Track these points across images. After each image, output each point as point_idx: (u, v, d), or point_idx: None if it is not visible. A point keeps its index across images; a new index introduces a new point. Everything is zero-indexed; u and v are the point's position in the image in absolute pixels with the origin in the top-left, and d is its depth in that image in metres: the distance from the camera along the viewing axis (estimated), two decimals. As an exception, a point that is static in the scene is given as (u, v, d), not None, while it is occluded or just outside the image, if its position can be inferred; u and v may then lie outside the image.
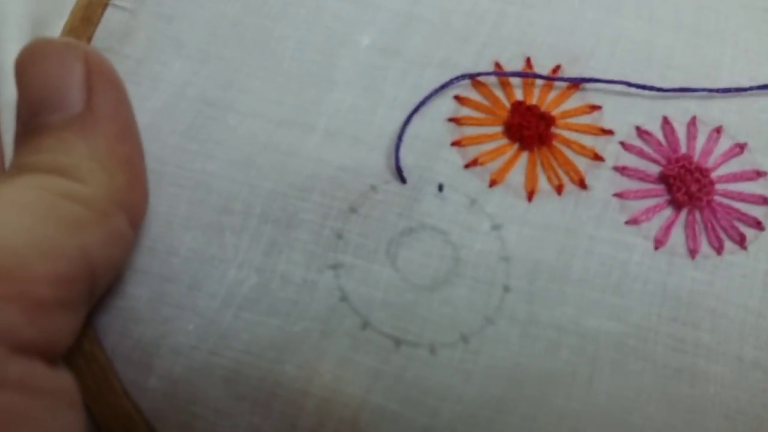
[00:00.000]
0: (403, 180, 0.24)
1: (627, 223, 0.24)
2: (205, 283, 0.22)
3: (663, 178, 0.25)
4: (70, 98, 0.21)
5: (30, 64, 0.21)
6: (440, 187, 0.24)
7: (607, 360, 0.23)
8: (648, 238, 0.24)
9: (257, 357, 0.22)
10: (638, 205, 0.24)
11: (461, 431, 0.22)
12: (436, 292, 0.23)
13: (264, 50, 0.25)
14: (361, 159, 0.24)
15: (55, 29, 0.26)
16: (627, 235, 0.24)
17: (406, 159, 0.24)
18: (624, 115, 0.25)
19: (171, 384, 0.22)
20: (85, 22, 0.26)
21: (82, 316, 0.20)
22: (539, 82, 0.26)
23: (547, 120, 0.25)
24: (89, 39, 0.25)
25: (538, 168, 0.25)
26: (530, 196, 0.24)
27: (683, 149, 0.25)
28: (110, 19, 0.26)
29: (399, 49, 0.26)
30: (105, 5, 0.26)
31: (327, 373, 0.22)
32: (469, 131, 0.25)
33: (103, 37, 0.25)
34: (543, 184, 0.24)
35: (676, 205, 0.24)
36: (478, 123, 0.25)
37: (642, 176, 0.25)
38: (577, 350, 0.23)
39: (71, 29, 0.25)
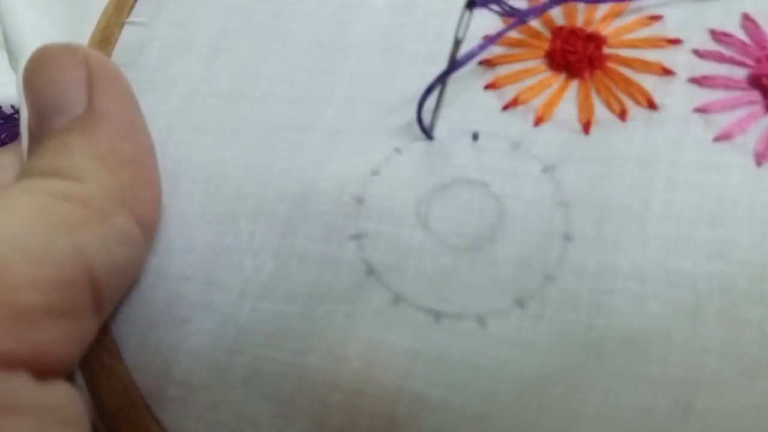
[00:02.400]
0: (429, 136, 0.20)
1: (716, 139, 0.19)
2: (221, 276, 0.20)
3: (755, 81, 0.20)
4: (72, 101, 0.20)
5: (33, 74, 0.21)
6: (475, 136, 0.20)
7: (712, 309, 0.17)
8: (746, 153, 0.19)
9: (278, 350, 0.19)
10: (727, 118, 0.19)
11: (525, 418, 0.17)
12: (479, 252, 0.19)
13: (275, 33, 0.23)
14: (382, 123, 0.21)
15: (76, 55, 0.25)
16: (718, 153, 0.19)
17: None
18: (693, 20, 0.21)
19: (190, 391, 0.19)
20: (103, 43, 0.25)
21: (87, 326, 0.18)
22: (582, 5, 0.22)
23: (597, 40, 0.21)
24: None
25: (593, 95, 0.20)
26: (587, 127, 0.20)
27: (776, 43, 0.20)
28: (127, 36, 0.25)
29: (418, 1, 0.23)
30: (122, 25, 0.25)
31: (355, 359, 0.18)
32: (505, 70, 0.21)
33: (121, 54, 0.25)
34: (601, 113, 0.20)
35: (778, 109, 0.19)
36: (515, 59, 0.21)
37: (727, 83, 0.20)
38: (671, 302, 0.18)
39: None
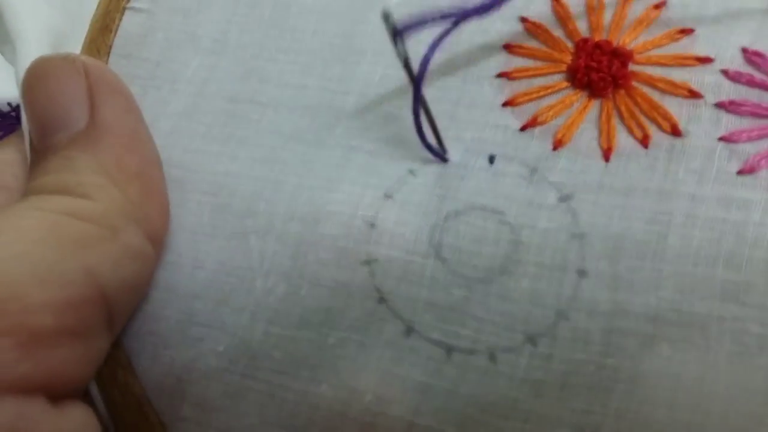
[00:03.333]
0: (444, 159, 0.20)
1: (740, 173, 0.19)
2: (232, 297, 0.20)
3: (786, 110, 0.19)
4: (73, 114, 0.20)
5: (32, 87, 0.21)
6: (491, 159, 0.20)
7: (723, 354, 0.18)
8: (769, 189, 0.18)
9: (291, 378, 0.19)
10: (753, 149, 0.19)
11: (535, 454, 0.18)
12: (492, 284, 0.19)
13: (283, 29, 0.23)
14: (396, 140, 0.20)
15: (76, 41, 0.24)
16: (741, 188, 0.19)
17: (448, 131, 0.20)
18: (725, 35, 0.20)
19: (205, 413, 0.19)
20: (104, 31, 0.24)
21: (100, 344, 0.19)
22: (610, 11, 0.21)
23: (623, 56, 0.20)
24: (109, 48, 0.24)
25: (615, 118, 0.20)
26: (607, 154, 0.19)
27: (812, 68, 0.19)
28: (128, 23, 0.24)
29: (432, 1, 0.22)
30: (123, 10, 0.24)
31: (367, 393, 0.19)
32: (524, 85, 0.20)
33: (122, 44, 0.24)
34: (623, 138, 0.20)
35: (808, 142, 0.19)
36: (535, 73, 0.21)
37: (756, 111, 0.19)
38: (682, 344, 0.18)
39: (91, 41, 0.24)
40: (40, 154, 0.20)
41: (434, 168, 0.20)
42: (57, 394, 0.18)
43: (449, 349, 0.19)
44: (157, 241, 0.21)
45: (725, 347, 0.18)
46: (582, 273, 0.19)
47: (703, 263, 0.18)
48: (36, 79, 0.21)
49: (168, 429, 0.20)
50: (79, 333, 0.18)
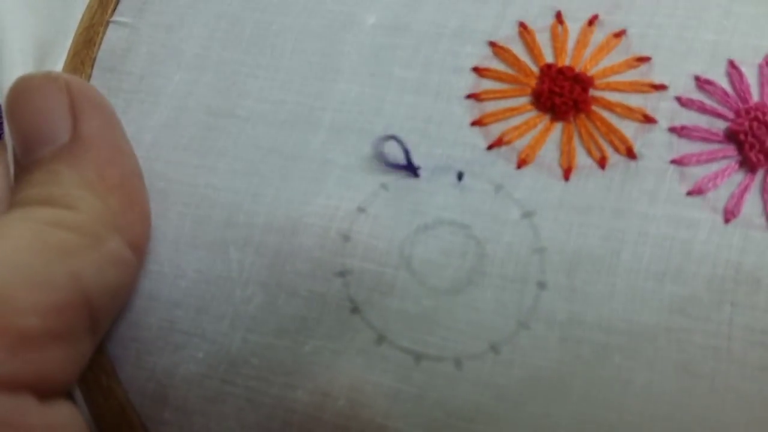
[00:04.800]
0: (415, 173, 0.22)
1: (689, 194, 0.21)
2: (212, 305, 0.22)
3: (731, 136, 0.21)
4: (57, 129, 0.21)
5: (16, 105, 0.22)
6: (459, 176, 0.21)
7: (670, 362, 0.19)
8: (716, 210, 0.20)
9: (268, 383, 0.21)
10: (702, 171, 0.21)
11: (496, 456, 0.19)
12: (458, 295, 0.20)
13: (263, 47, 0.24)
14: (370, 155, 0.22)
15: (61, 51, 0.26)
16: (689, 209, 0.20)
17: (419, 148, 0.22)
18: (679, 64, 0.22)
19: (186, 416, 0.21)
20: (88, 44, 0.25)
21: (84, 348, 0.20)
22: (573, 38, 0.22)
23: (583, 81, 0.22)
24: (93, 60, 0.25)
25: (575, 140, 0.22)
26: (567, 174, 0.21)
27: (755, 97, 0.21)
28: (112, 37, 0.25)
29: (408, 23, 0.23)
30: (106, 24, 0.25)
31: (341, 397, 0.20)
32: (492, 106, 0.22)
33: (106, 58, 0.25)
34: (582, 158, 0.21)
35: (750, 166, 0.21)
36: (502, 95, 0.22)
37: (705, 136, 0.21)
38: (632, 353, 0.20)
39: (75, 53, 0.25)
40: (24, 168, 0.22)
41: (405, 183, 0.22)
42: (43, 392, 0.19)
43: (418, 357, 0.20)
44: (139, 249, 0.22)
45: (672, 356, 0.19)
46: (542, 285, 0.20)
47: (652, 278, 0.20)
48: (19, 96, 0.22)
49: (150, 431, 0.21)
50: (64, 336, 0.19)
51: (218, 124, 0.23)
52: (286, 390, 0.21)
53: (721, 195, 0.21)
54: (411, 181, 0.22)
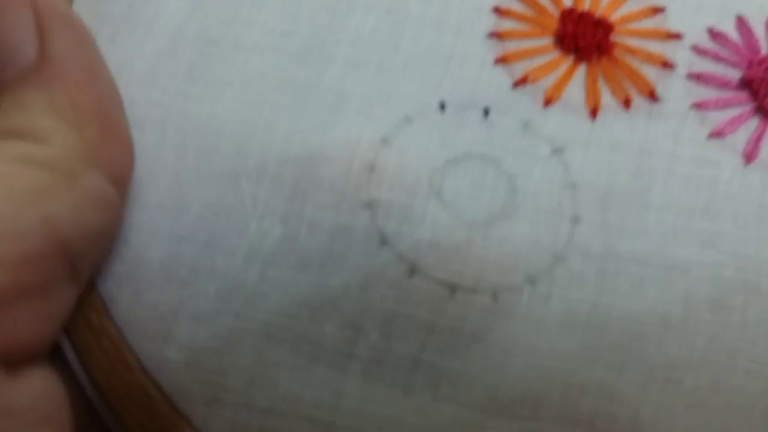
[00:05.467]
0: (441, 107, 0.21)
1: (711, 136, 0.21)
2: (224, 239, 0.20)
3: (746, 84, 0.22)
4: (21, 48, 0.19)
5: None
6: (486, 112, 0.21)
7: (703, 295, 0.20)
8: (736, 152, 0.21)
9: (291, 318, 0.19)
10: (721, 116, 0.22)
11: (535, 389, 0.19)
12: (492, 228, 0.20)
13: None
14: (391, 88, 0.21)
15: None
16: (712, 150, 0.21)
17: (442, 84, 0.21)
18: (692, 16, 0.23)
19: (194, 354, 0.19)
20: None
21: (63, 299, 0.18)
22: (591, -15, 0.23)
23: (605, 27, 0.22)
24: None
25: (600, 81, 0.22)
26: (593, 113, 0.21)
27: (765, 50, 0.22)
28: None
29: None
30: None
31: (373, 332, 0.19)
32: (515, 46, 0.22)
33: None
34: (607, 99, 0.22)
35: (765, 113, 0.21)
36: (525, 35, 0.22)
37: (721, 83, 0.22)
38: (667, 286, 0.20)
39: None
40: None
41: (430, 117, 0.21)
42: (14, 361, 0.17)
43: (453, 288, 0.19)
44: (122, 183, 0.20)
45: (705, 290, 0.20)
46: (576, 220, 0.20)
47: (682, 213, 0.20)
48: None
49: (151, 373, 0.19)
50: (38, 290, 0.17)
51: (221, 54, 0.22)
52: (312, 325, 0.19)
53: (739, 138, 0.21)
54: (436, 116, 0.21)
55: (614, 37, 0.22)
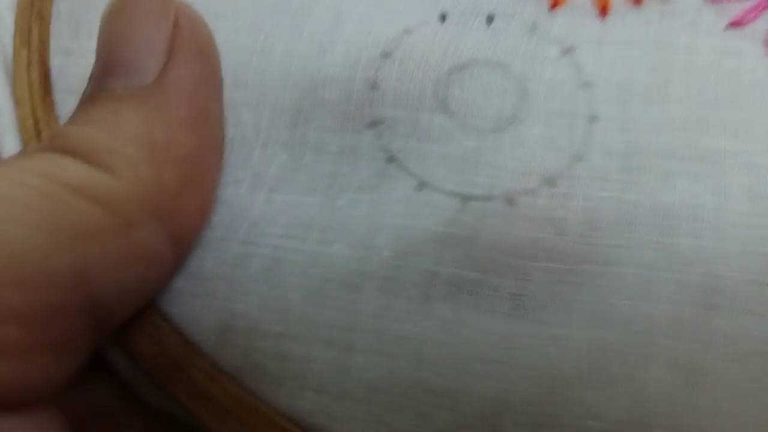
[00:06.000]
0: (442, 18, 0.20)
1: (729, 26, 0.20)
2: (227, 170, 0.19)
3: (765, -33, 0.20)
4: (143, 63, 0.17)
5: (110, 17, 0.18)
6: (489, 19, 0.20)
7: (736, 185, 0.18)
8: (756, 40, 0.20)
9: (299, 240, 0.18)
10: (738, 6, 0.20)
11: (562, 293, 0.18)
12: (503, 133, 0.19)
13: None
14: (389, 3, 0.20)
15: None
16: (732, 39, 0.20)
17: (443, -7, 0.21)
18: None
19: (202, 282, 0.18)
20: None
21: (81, 352, 0.16)
22: None
23: (608, -77, 0.21)
24: None
25: (608, -19, 0.21)
26: (603, 12, 0.20)
27: (784, -70, 0.21)
28: None
29: None
30: None
31: (385, 248, 0.18)
32: (517, -48, 0.21)
33: None
34: (616, -2, 0.20)
35: (788, -4, 0.20)
36: (524, -59, 0.21)
37: (737, -30, 0.21)
38: (696, 177, 0.18)
39: None
40: (90, 96, 0.18)
41: (431, 27, 0.20)
42: (13, 405, 0.15)
43: (465, 198, 0.18)
44: (183, 246, 0.18)
45: (738, 179, 0.18)
46: (592, 118, 0.19)
47: (706, 105, 0.19)
48: (117, 7, 0.18)
49: (159, 303, 0.18)
50: (56, 347, 0.15)
51: None
52: (322, 246, 0.18)
53: (759, 28, 0.20)
54: (437, 26, 0.20)
55: (618, -64, 0.21)
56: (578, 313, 0.18)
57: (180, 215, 0.17)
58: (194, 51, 0.18)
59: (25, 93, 0.20)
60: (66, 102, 0.20)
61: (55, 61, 0.21)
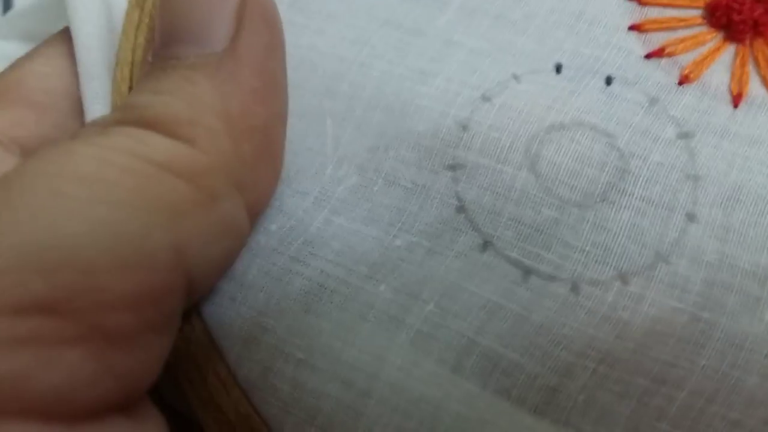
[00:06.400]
0: (557, 69, 0.19)
1: None
2: (297, 179, 0.19)
3: None
4: (214, 31, 0.17)
5: None
6: (608, 80, 0.18)
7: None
8: None
9: (347, 271, 0.18)
10: None
11: (602, 401, 0.16)
12: (588, 210, 0.17)
13: None
14: (504, 42, 0.19)
15: None
16: None
17: (564, 44, 0.19)
18: None
19: (242, 289, 0.18)
20: None
21: (172, 337, 0.16)
22: (761, -45, 0.19)
23: (767, 3, 0.19)
24: None
25: (750, 66, 0.19)
26: (737, 100, 0.18)
27: None
28: None
29: None
30: None
31: (429, 301, 0.17)
32: (656, 13, 0.19)
33: None
34: (755, 87, 0.18)
35: None
36: (670, 3, 0.19)
37: None
38: None
39: None
40: (157, 64, 0.17)
41: (543, 78, 0.19)
42: (129, 405, 0.15)
43: (527, 271, 0.17)
44: (256, 212, 0.18)
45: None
46: (691, 217, 0.17)
47: None
48: None
49: (200, 303, 0.18)
50: (158, 328, 0.15)
51: None
52: (367, 282, 0.18)
53: None
54: (550, 77, 0.19)
55: (779, 16, 0.19)
56: (611, 427, 0.16)
57: (256, 186, 0.17)
58: (262, 20, 0.17)
59: (128, 54, 0.20)
60: None
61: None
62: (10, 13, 0.27)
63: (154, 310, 0.14)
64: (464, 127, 0.18)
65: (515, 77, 0.19)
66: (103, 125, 0.16)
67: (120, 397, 0.14)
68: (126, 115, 0.16)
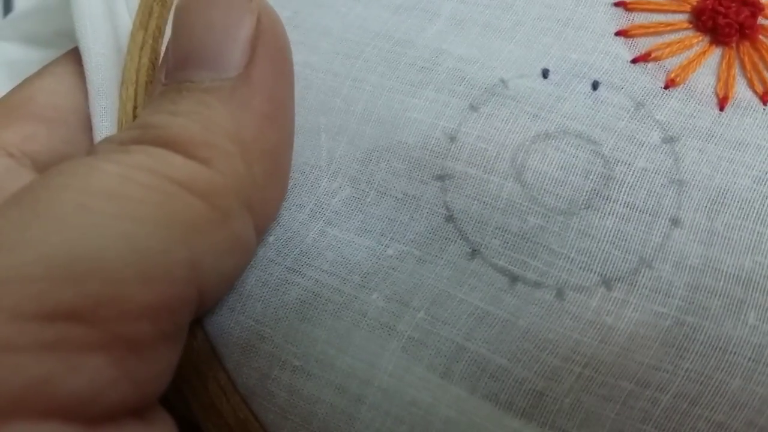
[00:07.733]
0: (544, 74, 0.19)
1: None
2: (293, 192, 0.19)
3: None
4: (228, 58, 0.17)
5: (192, 8, 0.18)
6: (595, 85, 0.19)
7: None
8: None
9: (341, 280, 0.18)
10: None
11: (587, 404, 0.17)
12: (573, 217, 0.18)
13: None
14: (492, 48, 0.20)
15: None
16: None
17: (551, 49, 0.19)
18: None
19: (240, 299, 0.19)
20: None
21: (181, 347, 0.17)
22: (748, -44, 0.20)
23: (753, 5, 0.19)
24: None
25: (736, 69, 0.19)
26: (722, 103, 0.18)
27: None
28: None
29: None
30: None
31: (420, 309, 0.18)
32: (642, 18, 0.20)
33: None
34: (741, 90, 0.19)
35: None
36: (656, 8, 0.20)
37: None
38: None
39: None
40: (169, 84, 0.18)
41: (530, 82, 0.19)
42: (142, 409, 0.16)
43: (514, 279, 0.18)
44: (262, 231, 0.18)
45: (822, 326, 0.17)
46: (675, 222, 0.18)
47: None
48: (198, 1, 0.18)
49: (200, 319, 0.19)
50: (172, 338, 0.16)
51: (325, 1, 0.21)
52: (360, 291, 0.18)
53: None
54: (537, 82, 0.19)
55: (762, 20, 0.19)
56: (596, 429, 0.17)
57: (264, 205, 0.18)
58: (275, 48, 0.18)
59: (133, 75, 0.21)
60: None
61: (164, 49, 0.21)
62: (11, 15, 0.27)
63: (170, 321, 0.15)
64: (452, 138, 0.19)
65: (503, 82, 0.19)
66: (121, 143, 0.17)
67: (136, 401, 0.15)
68: (144, 135, 0.17)
